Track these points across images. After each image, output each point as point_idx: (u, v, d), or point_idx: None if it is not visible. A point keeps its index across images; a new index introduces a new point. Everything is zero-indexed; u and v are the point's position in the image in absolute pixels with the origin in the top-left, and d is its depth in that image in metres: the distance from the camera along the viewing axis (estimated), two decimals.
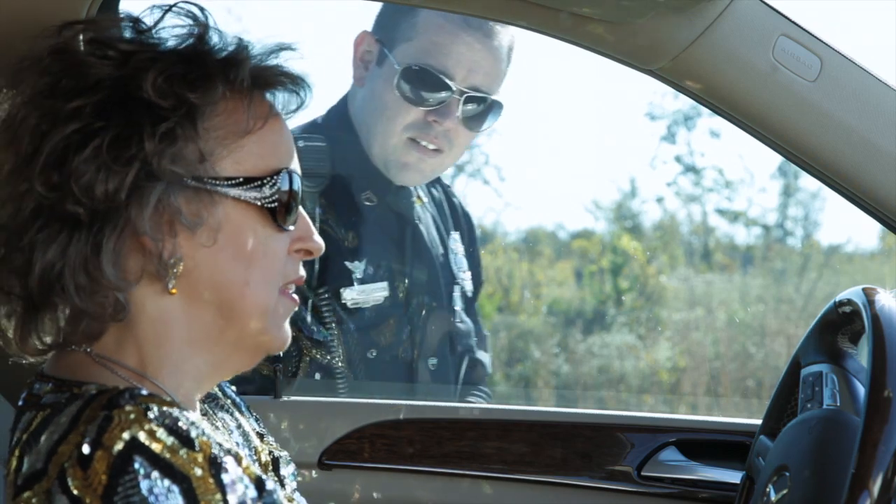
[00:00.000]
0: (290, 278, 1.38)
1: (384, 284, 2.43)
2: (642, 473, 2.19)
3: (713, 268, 10.33)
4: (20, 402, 1.32)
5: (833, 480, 1.55)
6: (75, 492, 1.16)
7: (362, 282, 2.41)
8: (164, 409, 1.22)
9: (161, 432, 1.20)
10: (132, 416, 1.20)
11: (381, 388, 2.44)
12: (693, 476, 2.18)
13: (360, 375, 2.41)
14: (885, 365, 1.53)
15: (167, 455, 1.19)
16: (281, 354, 1.43)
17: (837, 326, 1.83)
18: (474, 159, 10.43)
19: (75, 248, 1.26)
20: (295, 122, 2.52)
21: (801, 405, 1.80)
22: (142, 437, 1.19)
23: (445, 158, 2.49)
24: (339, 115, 2.52)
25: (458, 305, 2.58)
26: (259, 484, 1.26)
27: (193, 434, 1.22)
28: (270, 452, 1.53)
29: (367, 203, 2.47)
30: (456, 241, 2.64)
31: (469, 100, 2.41)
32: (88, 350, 1.32)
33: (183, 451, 1.20)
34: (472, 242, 2.70)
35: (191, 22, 1.34)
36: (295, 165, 1.39)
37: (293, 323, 1.41)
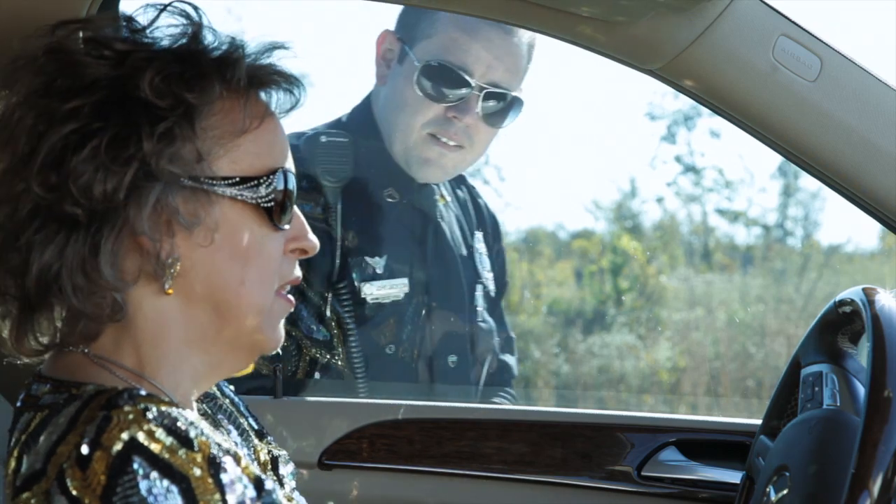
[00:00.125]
0: (287, 279, 1.38)
1: (404, 280, 2.44)
2: (642, 473, 2.19)
3: (713, 268, 10.33)
4: (18, 403, 1.32)
5: (833, 480, 1.55)
6: (74, 492, 1.16)
7: (382, 277, 2.42)
8: (163, 409, 1.22)
9: (160, 432, 1.20)
10: (131, 416, 1.20)
11: (400, 386, 2.45)
12: (693, 476, 2.18)
13: (377, 371, 2.42)
14: (885, 365, 1.53)
15: (166, 455, 1.19)
16: (280, 352, 1.43)
17: (837, 326, 1.83)
18: None
19: (73, 248, 1.26)
20: (320, 120, 2.56)
21: (801, 405, 1.80)
22: (141, 437, 1.19)
23: (467, 155, 2.49)
24: (363, 114, 2.54)
25: (481, 305, 2.59)
26: (258, 484, 1.26)
27: (192, 434, 1.22)
28: (269, 452, 1.53)
29: (389, 200, 2.48)
30: (480, 241, 2.65)
31: (489, 96, 2.42)
32: (86, 351, 1.32)
33: (182, 452, 1.20)
34: (497, 243, 2.71)
35: (185, 21, 1.34)
36: (290, 165, 1.39)
37: (295, 323, 1.41)
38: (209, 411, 1.49)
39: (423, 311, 2.47)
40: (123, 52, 1.30)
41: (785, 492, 1.67)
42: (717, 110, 1.85)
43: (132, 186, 1.26)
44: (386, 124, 2.49)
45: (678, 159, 11.21)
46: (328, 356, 2.38)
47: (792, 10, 1.77)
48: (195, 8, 1.35)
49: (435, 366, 2.48)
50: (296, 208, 1.39)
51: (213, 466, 1.21)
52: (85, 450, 1.17)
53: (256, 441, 1.53)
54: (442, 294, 2.51)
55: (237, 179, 1.32)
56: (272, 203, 1.34)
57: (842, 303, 1.78)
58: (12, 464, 1.26)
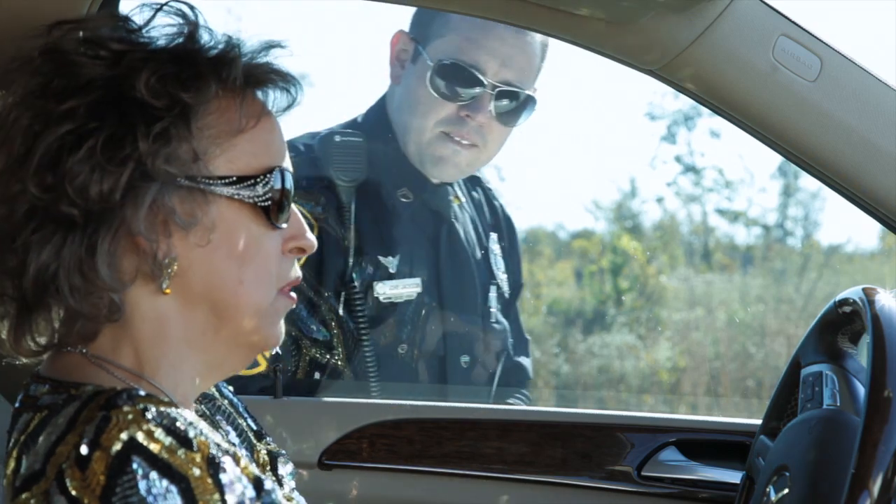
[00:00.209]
0: (286, 278, 1.38)
1: (417, 280, 2.44)
2: (642, 473, 2.19)
3: (713, 268, 10.33)
4: (17, 404, 1.32)
5: (833, 480, 1.55)
6: (73, 492, 1.16)
7: (395, 277, 2.42)
8: (162, 409, 1.22)
9: (159, 433, 1.20)
10: (130, 416, 1.20)
11: (412, 386, 2.45)
12: (693, 476, 2.18)
13: (389, 371, 2.42)
14: (885, 365, 1.53)
15: (165, 455, 1.19)
16: (279, 351, 1.43)
17: (837, 326, 1.83)
18: None
19: (70, 249, 1.26)
20: (336, 120, 2.57)
21: (801, 405, 1.80)
22: (140, 437, 1.18)
23: (480, 154, 2.49)
24: (378, 114, 2.54)
25: (494, 305, 2.59)
26: (257, 484, 1.26)
27: (191, 434, 1.21)
28: (269, 452, 1.53)
29: (403, 200, 2.49)
30: (495, 242, 2.65)
31: (501, 95, 2.42)
32: (84, 351, 1.32)
33: (181, 452, 1.20)
34: (513, 245, 2.71)
35: (181, 20, 1.34)
36: (287, 164, 1.39)
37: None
38: (207, 412, 1.48)
39: (436, 312, 2.47)
40: (119, 52, 1.29)
41: (785, 492, 1.67)
42: (717, 110, 1.85)
43: (128, 187, 1.26)
44: (400, 124, 2.50)
45: (678, 159, 11.22)
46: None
47: (792, 10, 1.77)
48: (191, 7, 1.35)
49: (447, 366, 2.49)
50: (294, 207, 1.39)
51: (213, 466, 1.21)
52: (84, 450, 1.17)
53: (255, 442, 1.53)
54: (455, 294, 2.51)
55: (234, 179, 1.32)
56: (269, 202, 1.34)
57: (842, 303, 1.78)
58: (11, 464, 1.26)
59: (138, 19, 1.34)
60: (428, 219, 2.52)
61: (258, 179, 1.33)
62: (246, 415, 1.56)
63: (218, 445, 1.24)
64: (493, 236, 2.65)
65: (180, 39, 1.33)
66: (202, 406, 1.48)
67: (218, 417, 1.50)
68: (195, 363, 1.35)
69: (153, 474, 1.17)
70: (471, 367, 2.51)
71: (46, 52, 1.30)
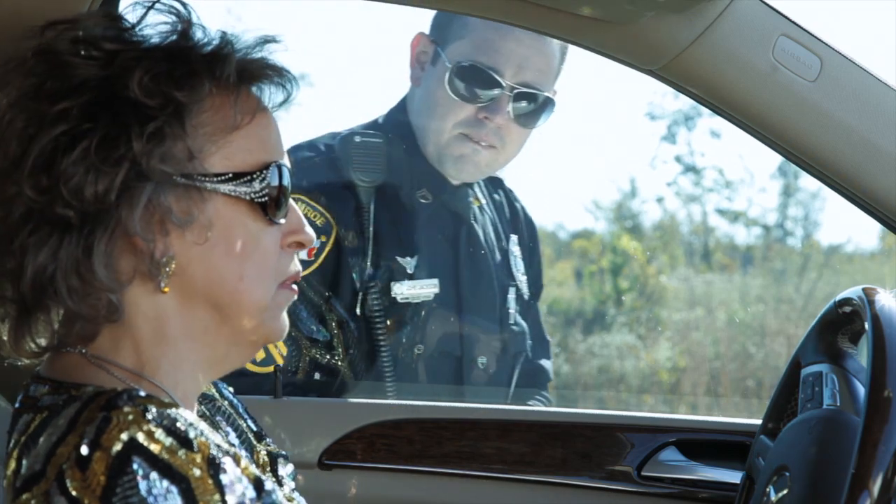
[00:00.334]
0: (286, 274, 1.38)
1: (435, 281, 2.45)
2: (642, 473, 2.19)
3: (713, 268, 10.34)
4: (17, 405, 1.32)
5: (833, 480, 1.55)
6: (74, 493, 1.16)
7: (413, 277, 2.42)
8: (163, 409, 1.22)
9: (159, 433, 1.20)
10: (130, 417, 1.20)
11: (428, 387, 2.45)
12: (693, 476, 2.18)
13: (406, 371, 2.43)
14: (885, 365, 1.53)
15: (166, 456, 1.18)
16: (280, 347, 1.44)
17: (837, 326, 1.83)
18: None
19: (66, 250, 1.26)
20: (357, 121, 2.58)
21: (801, 405, 1.80)
22: (140, 437, 1.18)
23: (499, 155, 2.50)
24: (398, 115, 2.55)
25: (513, 307, 2.59)
26: (258, 484, 1.26)
27: (192, 435, 1.21)
28: (269, 453, 1.53)
29: (423, 201, 2.49)
30: (515, 244, 2.65)
31: (520, 96, 2.43)
32: (84, 351, 1.32)
33: (181, 452, 1.20)
34: (534, 247, 2.72)
35: (174, 18, 1.33)
36: (284, 159, 1.38)
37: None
38: (208, 413, 1.48)
39: (454, 312, 2.48)
40: (112, 51, 1.29)
41: (785, 492, 1.67)
42: (717, 110, 1.85)
43: (123, 187, 1.26)
44: (419, 125, 2.51)
45: (678, 159, 11.22)
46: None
47: (792, 10, 1.78)
48: (184, 4, 1.34)
49: (464, 367, 2.49)
50: (292, 202, 1.38)
51: (213, 467, 1.21)
52: (84, 450, 1.17)
53: (255, 442, 1.52)
54: (473, 295, 2.51)
55: (230, 175, 1.32)
56: (266, 198, 1.34)
57: (842, 303, 1.78)
58: (12, 465, 1.26)
59: (132, 17, 1.34)
60: (447, 220, 2.52)
61: (254, 175, 1.33)
62: (246, 416, 1.56)
63: (218, 446, 1.24)
64: (514, 238, 2.66)
65: (174, 37, 1.33)
66: (202, 406, 1.48)
67: (218, 418, 1.50)
68: (197, 360, 1.35)
69: (153, 475, 1.17)
70: (488, 368, 2.52)
71: (40, 53, 1.29)
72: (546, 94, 2.46)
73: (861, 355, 1.81)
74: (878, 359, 1.55)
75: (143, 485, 1.16)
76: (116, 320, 1.30)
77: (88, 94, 1.27)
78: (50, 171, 1.25)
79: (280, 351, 2.33)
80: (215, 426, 1.47)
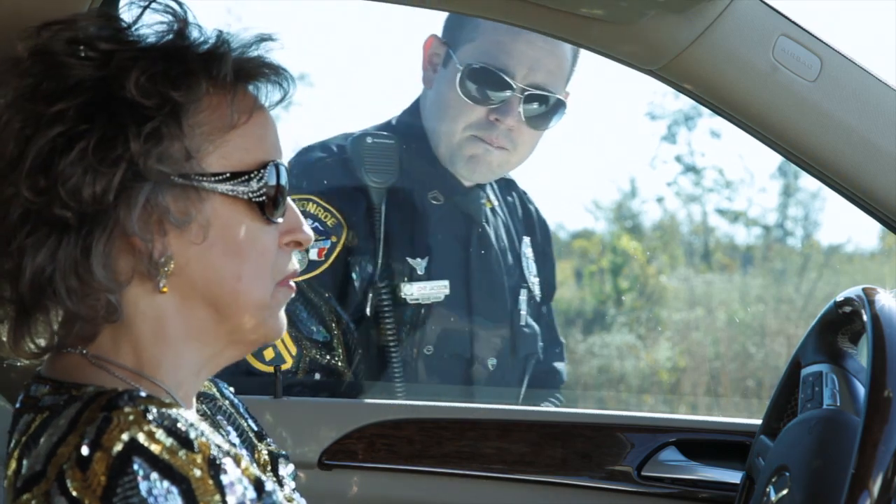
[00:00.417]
0: (284, 272, 1.38)
1: (445, 282, 2.45)
2: (642, 473, 2.19)
3: (713, 268, 10.34)
4: (17, 405, 1.32)
5: (833, 480, 1.55)
6: (74, 493, 1.16)
7: (423, 278, 2.43)
8: (163, 410, 1.22)
9: (160, 433, 1.20)
10: (131, 417, 1.20)
11: (437, 388, 2.45)
12: (693, 476, 2.18)
13: (415, 372, 2.43)
14: (885, 365, 1.53)
15: (166, 456, 1.19)
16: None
17: (837, 326, 1.83)
18: None
19: (65, 251, 1.26)
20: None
21: (801, 405, 1.80)
22: (141, 438, 1.18)
23: (511, 157, 2.49)
24: (411, 117, 2.55)
25: (524, 309, 2.59)
26: (258, 485, 1.26)
27: (192, 435, 1.21)
28: (269, 453, 1.53)
29: (434, 202, 2.49)
30: (528, 246, 2.66)
31: (530, 98, 2.42)
32: (84, 352, 1.32)
33: (182, 453, 1.20)
34: (547, 249, 2.72)
35: (170, 17, 1.33)
36: (281, 158, 1.38)
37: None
38: (209, 412, 1.48)
39: (464, 314, 2.48)
40: (108, 51, 1.29)
41: (785, 492, 1.67)
42: (717, 110, 1.85)
43: (121, 187, 1.25)
44: (431, 127, 2.51)
45: (678, 159, 11.24)
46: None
47: (792, 10, 1.78)
48: (180, 4, 1.34)
49: (474, 368, 2.49)
50: (289, 201, 1.38)
51: (214, 468, 1.21)
52: (85, 451, 1.17)
53: (256, 442, 1.53)
54: (483, 297, 2.51)
55: (227, 175, 1.32)
56: (264, 197, 1.34)
57: (842, 303, 1.78)
58: (13, 465, 1.26)
59: (127, 17, 1.33)
60: (458, 221, 2.52)
61: (252, 175, 1.33)
62: (247, 415, 1.56)
63: (219, 447, 1.24)
64: (526, 240, 2.66)
65: (170, 36, 1.32)
66: (203, 406, 1.48)
67: (219, 417, 1.50)
68: (196, 358, 1.35)
69: (154, 475, 1.17)
70: (498, 370, 2.52)
71: (35, 53, 1.29)
72: (557, 95, 2.45)
73: (861, 355, 1.81)
74: (878, 359, 1.55)
75: (143, 485, 1.16)
76: (115, 321, 1.30)
77: (85, 95, 1.27)
78: (47, 172, 1.25)
79: (290, 351, 2.33)
80: (216, 426, 1.47)
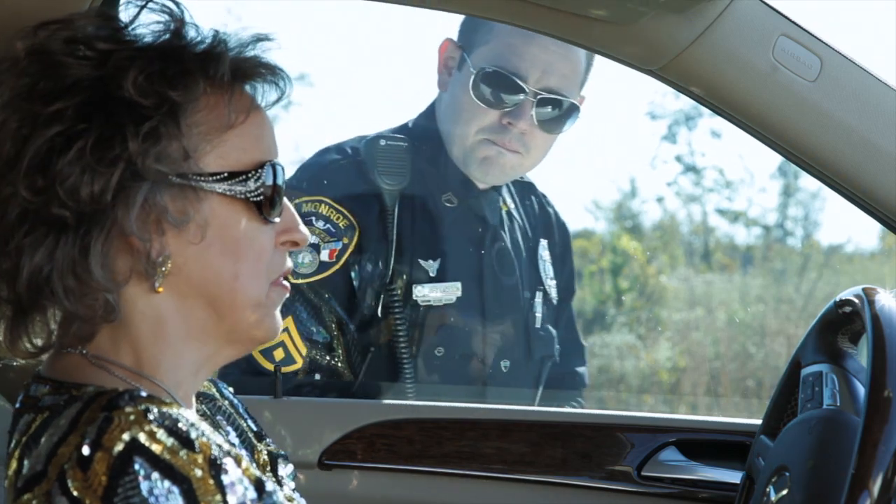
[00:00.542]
0: (279, 271, 1.38)
1: (457, 284, 2.45)
2: (642, 473, 2.19)
3: (713, 268, 10.34)
4: (17, 405, 1.32)
5: (833, 480, 1.55)
6: (75, 493, 1.16)
7: (435, 280, 2.43)
8: (164, 410, 1.22)
9: (161, 433, 1.20)
10: (132, 417, 1.20)
11: (449, 389, 2.45)
12: (693, 476, 2.18)
13: (427, 373, 2.43)
14: (885, 365, 1.53)
15: (167, 456, 1.19)
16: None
17: (837, 326, 1.83)
18: None
19: (63, 251, 1.26)
20: (387, 125, 2.60)
21: (801, 405, 1.80)
22: (142, 438, 1.19)
23: (524, 160, 2.49)
24: (427, 120, 2.56)
25: (539, 311, 2.59)
26: (259, 485, 1.26)
27: (193, 435, 1.22)
28: (269, 453, 1.53)
29: (448, 205, 2.50)
30: (545, 248, 2.65)
31: (543, 102, 2.42)
32: (84, 352, 1.32)
33: (183, 453, 1.20)
34: (565, 251, 2.72)
35: (167, 17, 1.33)
36: (278, 158, 1.38)
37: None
38: (208, 412, 1.49)
39: (476, 316, 2.47)
40: (105, 51, 1.29)
41: (785, 492, 1.67)
42: (716, 110, 1.85)
43: (119, 187, 1.25)
44: (446, 130, 2.51)
45: (678, 159, 11.23)
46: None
47: (792, 10, 1.78)
48: (177, 3, 1.34)
49: (487, 371, 2.49)
50: (286, 201, 1.38)
51: (214, 468, 1.21)
52: (86, 451, 1.17)
53: (256, 442, 1.53)
54: (496, 299, 2.51)
55: (225, 175, 1.32)
56: (261, 197, 1.34)
57: (842, 303, 1.78)
58: (13, 465, 1.26)
59: (124, 16, 1.33)
60: (472, 224, 2.52)
61: (249, 175, 1.33)
62: (246, 416, 1.57)
63: (220, 447, 1.24)
64: (544, 243, 2.66)
65: (167, 36, 1.32)
66: (203, 406, 1.48)
67: (219, 417, 1.50)
68: (195, 358, 1.36)
69: (155, 475, 1.17)
70: (512, 372, 2.51)
71: (33, 52, 1.29)
72: (571, 100, 2.45)
73: (861, 355, 1.81)
74: (878, 359, 1.55)
75: (144, 485, 1.16)
76: (113, 320, 1.30)
77: (82, 95, 1.27)
78: (45, 172, 1.25)
79: (300, 351, 2.33)
80: (216, 425, 1.47)
